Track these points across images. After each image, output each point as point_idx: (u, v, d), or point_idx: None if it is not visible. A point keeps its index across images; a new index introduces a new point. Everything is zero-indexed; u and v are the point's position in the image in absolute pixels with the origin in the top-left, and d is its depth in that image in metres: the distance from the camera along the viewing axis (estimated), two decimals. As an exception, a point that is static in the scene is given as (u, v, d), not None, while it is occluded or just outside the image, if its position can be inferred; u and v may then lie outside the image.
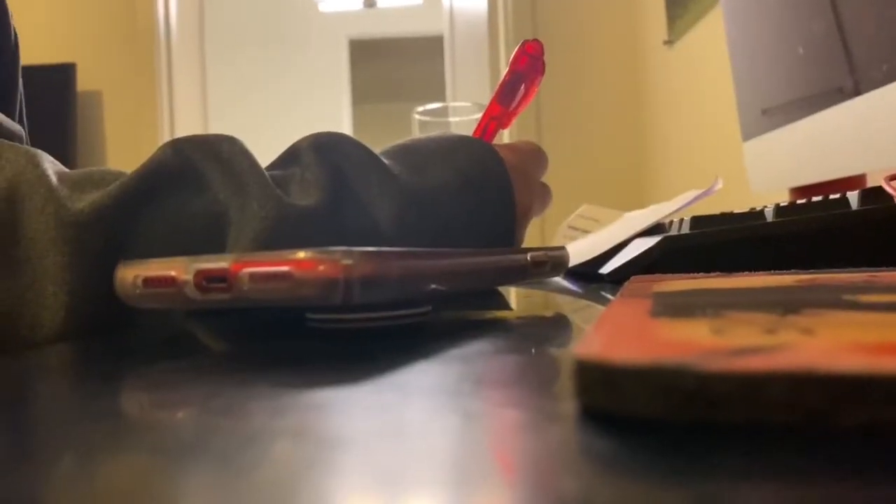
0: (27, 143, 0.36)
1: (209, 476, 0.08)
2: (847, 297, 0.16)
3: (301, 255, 0.18)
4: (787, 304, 0.15)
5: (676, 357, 0.08)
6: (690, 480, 0.07)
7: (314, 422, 0.10)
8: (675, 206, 0.46)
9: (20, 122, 0.41)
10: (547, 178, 0.43)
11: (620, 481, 0.07)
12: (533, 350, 0.16)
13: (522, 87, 0.42)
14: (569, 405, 0.10)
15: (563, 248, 0.30)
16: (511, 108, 0.42)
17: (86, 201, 0.27)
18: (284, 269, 0.18)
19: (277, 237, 0.28)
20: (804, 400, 0.08)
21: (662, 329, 0.11)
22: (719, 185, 0.51)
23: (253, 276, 0.19)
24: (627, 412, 0.08)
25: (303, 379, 0.13)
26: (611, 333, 0.11)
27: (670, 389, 0.08)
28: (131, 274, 0.21)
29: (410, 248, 0.21)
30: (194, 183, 0.29)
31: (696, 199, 0.49)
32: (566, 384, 0.11)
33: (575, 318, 0.23)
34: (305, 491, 0.07)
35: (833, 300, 0.15)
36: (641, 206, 0.66)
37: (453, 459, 0.08)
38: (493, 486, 0.07)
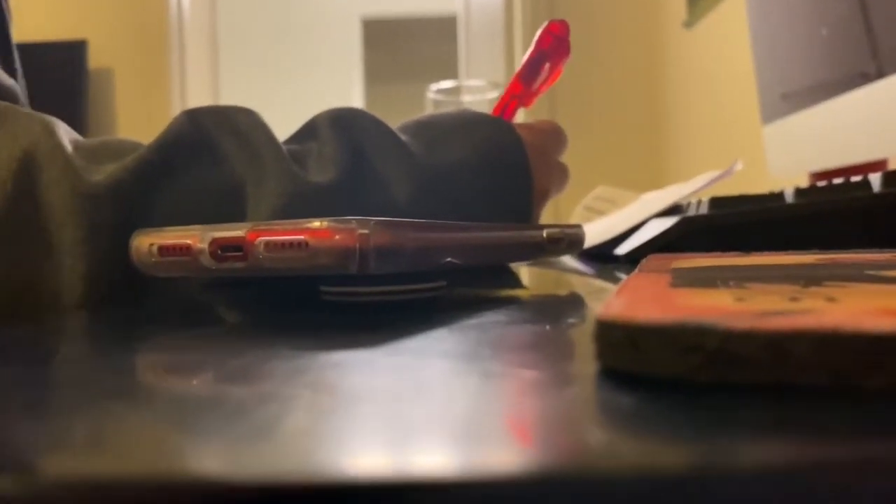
0: (23, 98, 0.35)
1: (229, 427, 0.08)
2: (870, 272, 0.15)
3: (317, 224, 0.18)
4: (809, 277, 0.14)
5: (700, 317, 0.08)
6: (710, 434, 0.07)
7: (333, 379, 0.10)
8: (693, 187, 0.46)
9: (14, 72, 0.40)
10: (563, 159, 0.42)
11: (641, 433, 0.07)
12: (547, 326, 0.16)
13: (546, 67, 0.41)
14: (588, 367, 0.10)
15: (579, 225, 0.30)
16: (533, 88, 0.42)
17: (102, 174, 0.27)
18: (300, 237, 0.18)
19: (293, 214, 0.28)
20: (829, 360, 0.08)
21: (684, 296, 0.11)
22: (739, 167, 0.50)
23: (268, 245, 0.19)
24: (649, 372, 0.08)
25: (320, 343, 0.13)
26: (632, 298, 0.11)
27: (693, 348, 0.08)
28: (147, 242, 0.21)
29: (426, 220, 0.20)
30: (210, 155, 0.29)
31: (715, 180, 0.48)
32: (585, 349, 0.11)
33: (589, 297, 0.23)
34: (325, 440, 0.07)
35: (856, 274, 0.15)
36: (658, 188, 0.65)
37: (473, 413, 0.08)
38: (514, 438, 0.07)
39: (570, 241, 0.29)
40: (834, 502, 0.06)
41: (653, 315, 0.09)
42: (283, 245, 0.18)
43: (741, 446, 0.07)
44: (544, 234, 0.27)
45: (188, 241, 0.20)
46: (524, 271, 0.35)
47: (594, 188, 0.67)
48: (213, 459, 0.07)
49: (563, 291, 0.25)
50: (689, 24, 1.61)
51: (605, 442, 0.07)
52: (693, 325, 0.08)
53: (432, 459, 0.07)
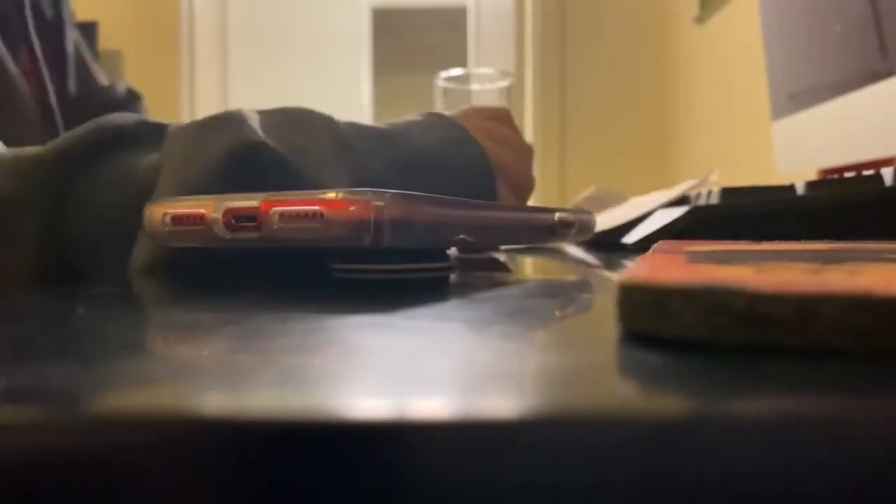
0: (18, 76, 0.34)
1: (249, 373, 0.08)
2: (887, 255, 0.15)
3: (332, 194, 0.18)
4: (827, 258, 0.14)
5: (726, 279, 0.08)
6: (719, 386, 0.07)
7: (351, 337, 0.10)
8: (673, 194, 0.46)
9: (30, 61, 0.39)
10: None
11: (667, 389, 0.07)
12: (564, 300, 0.16)
13: None
14: (609, 331, 0.10)
15: (590, 211, 0.30)
16: None
17: (30, 152, 0.26)
18: (315, 208, 0.18)
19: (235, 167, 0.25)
20: (859, 323, 0.08)
21: (704, 268, 0.11)
22: (713, 178, 0.50)
23: (283, 216, 0.19)
24: (673, 334, 0.08)
25: (337, 307, 0.13)
26: (654, 267, 0.11)
27: (720, 309, 0.08)
28: (160, 212, 0.21)
29: (441, 196, 0.20)
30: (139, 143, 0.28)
31: (693, 189, 0.48)
32: (604, 318, 0.11)
33: (600, 280, 0.23)
34: (346, 386, 0.07)
35: (874, 258, 0.15)
36: (665, 184, 0.65)
37: (498, 367, 0.08)
38: (540, 388, 0.07)
39: (580, 226, 0.29)
40: (855, 456, 0.06)
41: (678, 277, 0.09)
42: (297, 216, 0.18)
43: (747, 398, 0.07)
44: (556, 218, 0.27)
45: (202, 211, 0.20)
46: (531, 259, 0.35)
47: (600, 185, 0.67)
48: (231, 401, 0.07)
49: (573, 275, 0.25)
50: (701, 19, 1.60)
51: (633, 393, 0.07)
52: (720, 286, 0.08)
53: (456, 404, 0.07)
